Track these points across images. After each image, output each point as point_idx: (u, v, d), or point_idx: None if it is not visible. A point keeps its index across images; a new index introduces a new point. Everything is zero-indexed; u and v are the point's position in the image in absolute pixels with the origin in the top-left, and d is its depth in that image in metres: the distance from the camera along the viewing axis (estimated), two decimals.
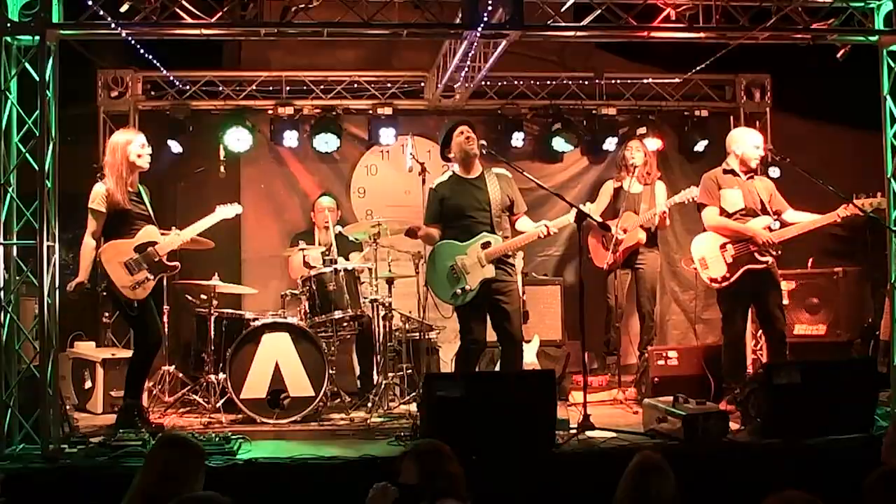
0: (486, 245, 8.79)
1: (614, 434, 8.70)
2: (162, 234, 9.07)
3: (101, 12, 8.37)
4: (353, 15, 8.78)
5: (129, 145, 8.89)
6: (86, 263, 8.78)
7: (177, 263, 9.14)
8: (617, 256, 10.87)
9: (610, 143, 12.77)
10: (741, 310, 9.64)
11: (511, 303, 8.98)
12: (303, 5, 8.72)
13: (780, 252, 9.38)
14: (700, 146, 12.78)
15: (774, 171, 11.07)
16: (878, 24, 9.19)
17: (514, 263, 9.14)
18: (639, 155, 11.25)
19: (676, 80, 12.57)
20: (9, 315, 8.13)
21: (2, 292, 8.11)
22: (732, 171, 9.56)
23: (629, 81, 12.75)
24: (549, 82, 12.68)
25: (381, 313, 10.32)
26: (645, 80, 12.72)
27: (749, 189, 9.50)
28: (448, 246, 8.93)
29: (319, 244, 10.93)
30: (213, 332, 10.02)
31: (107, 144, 9.19)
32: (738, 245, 9.36)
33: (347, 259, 10.76)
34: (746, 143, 9.60)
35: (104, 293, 8.99)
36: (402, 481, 5.85)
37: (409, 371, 10.51)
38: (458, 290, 8.84)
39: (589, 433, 8.66)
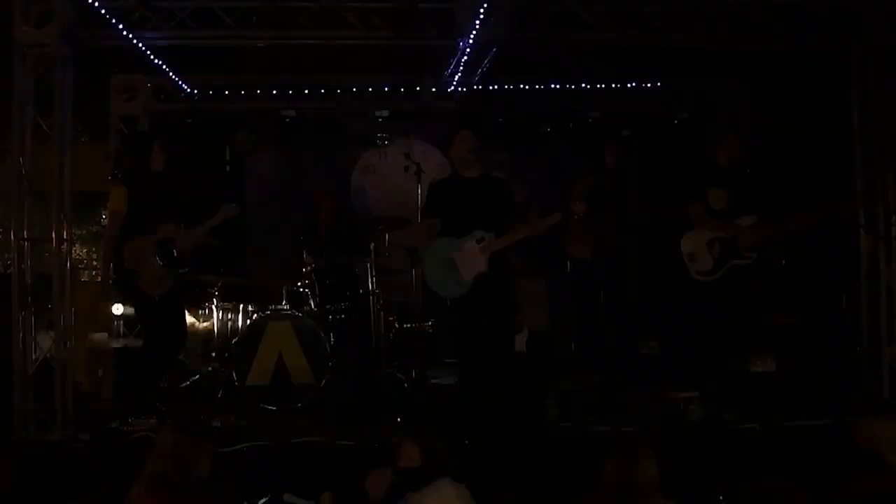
0: (480, 240, 8.78)
1: (600, 417, 8.74)
2: (177, 231, 9.10)
3: (114, 20, 8.40)
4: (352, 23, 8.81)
5: (150, 150, 8.93)
6: (108, 262, 8.80)
7: (189, 259, 9.16)
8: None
9: (596, 145, 12.75)
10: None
11: (503, 295, 8.99)
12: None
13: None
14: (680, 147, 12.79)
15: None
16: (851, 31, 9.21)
17: (506, 258, 9.13)
18: (614, 157, 11.24)
19: (658, 84, 12.53)
20: (27, 307, 8.15)
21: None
22: (717, 170, 9.52)
23: (613, 86, 12.70)
24: (538, 87, 12.64)
25: (379, 304, 10.30)
26: (628, 85, 12.67)
27: (734, 188, 9.46)
28: (445, 241, 8.91)
29: (322, 240, 10.91)
30: (219, 323, 10.02)
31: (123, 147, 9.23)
32: (724, 241, 9.31)
33: (348, 254, 10.75)
34: (730, 145, 9.59)
35: (124, 289, 9.01)
36: (403, 465, 5.86)
37: (406, 360, 10.50)
38: (454, 283, 8.84)
39: (575, 416, 8.71)
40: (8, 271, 8.39)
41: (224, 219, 9.38)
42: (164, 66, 10.69)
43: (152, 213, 8.82)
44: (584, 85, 12.58)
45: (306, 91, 12.33)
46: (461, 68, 10.51)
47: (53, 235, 8.14)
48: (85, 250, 11.95)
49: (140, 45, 9.02)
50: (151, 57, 10.00)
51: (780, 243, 9.57)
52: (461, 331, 9.04)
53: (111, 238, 8.76)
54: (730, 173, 9.38)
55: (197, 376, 10.22)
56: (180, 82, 11.68)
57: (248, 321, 9.79)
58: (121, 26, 8.46)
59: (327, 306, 10.02)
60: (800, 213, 9.18)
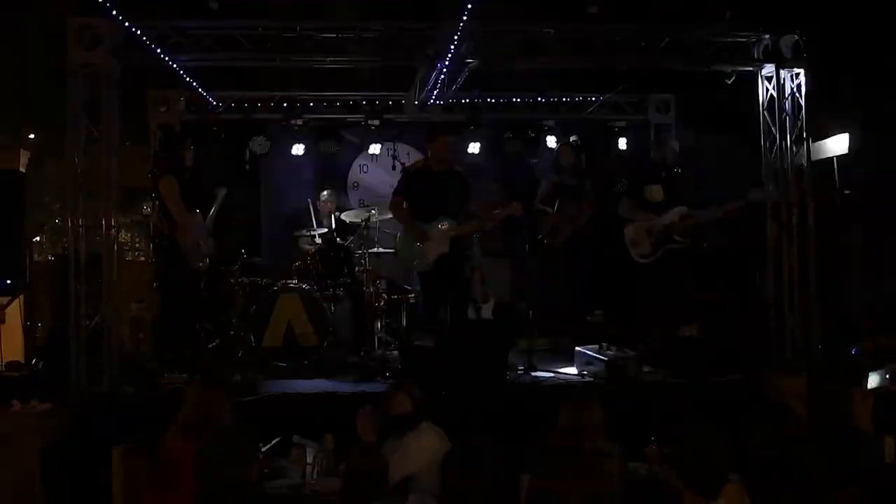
0: (443, 226, 8.79)
1: (553, 374, 8.76)
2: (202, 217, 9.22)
3: (152, 45, 8.41)
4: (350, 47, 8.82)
5: (187, 150, 9.13)
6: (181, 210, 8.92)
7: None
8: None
9: (550, 148, 12.74)
10: None
11: (463, 272, 9.04)
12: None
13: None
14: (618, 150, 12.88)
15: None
16: (759, 55, 9.26)
17: (467, 241, 9.13)
18: (568, 159, 11.20)
19: (602, 97, 12.49)
20: (82, 282, 8.22)
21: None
22: (654, 169, 9.52)
23: (565, 99, 12.69)
24: (501, 100, 12.64)
25: (372, 279, 10.28)
26: (577, 98, 12.65)
27: (668, 184, 9.44)
28: (415, 224, 8.93)
29: (323, 227, 10.91)
30: (239, 295, 9.99)
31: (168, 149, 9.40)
32: (660, 229, 9.28)
33: (346, 238, 10.78)
34: (665, 147, 9.60)
35: (174, 266, 9.05)
36: (395, 411, 5.85)
37: (394, 325, 10.50)
38: (419, 262, 8.87)
39: (534, 374, 8.73)
40: (66, 252, 8.45)
41: (222, 199, 9.49)
42: (193, 83, 10.71)
43: (189, 201, 8.94)
44: (539, 99, 12.61)
45: (311, 104, 12.37)
46: (439, 85, 10.48)
47: (103, 223, 8.27)
48: (129, 235, 11.91)
49: (174, 65, 9.00)
50: (183, 75, 9.98)
51: (704, 231, 9.57)
52: (429, 300, 9.12)
53: (178, 208, 8.81)
54: (665, 172, 9.40)
55: (221, 339, 10.20)
56: (207, 96, 11.66)
57: (263, 293, 9.75)
58: (158, 50, 8.46)
59: (328, 281, 10.04)
60: (719, 205, 9.19)
